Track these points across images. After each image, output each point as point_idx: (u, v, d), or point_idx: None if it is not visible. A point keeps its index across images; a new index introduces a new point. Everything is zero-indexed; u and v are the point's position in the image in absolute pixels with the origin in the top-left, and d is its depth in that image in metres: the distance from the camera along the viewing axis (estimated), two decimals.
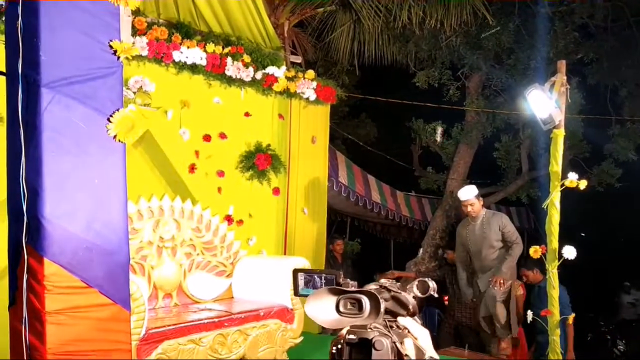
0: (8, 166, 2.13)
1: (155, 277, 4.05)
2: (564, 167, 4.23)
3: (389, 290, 1.31)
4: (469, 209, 5.39)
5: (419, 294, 1.38)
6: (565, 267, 4.11)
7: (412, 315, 1.32)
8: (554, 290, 4.16)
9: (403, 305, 1.31)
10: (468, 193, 5.40)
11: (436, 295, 1.42)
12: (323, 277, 1.46)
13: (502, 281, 5.16)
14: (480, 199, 5.49)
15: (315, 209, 5.77)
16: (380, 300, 1.17)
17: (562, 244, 4.06)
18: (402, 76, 8.65)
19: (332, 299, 1.21)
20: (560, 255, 4.01)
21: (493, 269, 5.32)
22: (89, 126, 2.04)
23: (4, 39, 2.15)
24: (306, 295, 1.45)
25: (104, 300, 2.07)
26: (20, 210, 1.98)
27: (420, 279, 1.40)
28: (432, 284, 1.40)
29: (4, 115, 3.32)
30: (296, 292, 1.51)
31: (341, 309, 1.20)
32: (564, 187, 4.08)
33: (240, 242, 4.70)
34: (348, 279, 1.39)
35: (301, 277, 1.49)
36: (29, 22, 1.97)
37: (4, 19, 2.99)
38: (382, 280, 1.38)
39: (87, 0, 2.04)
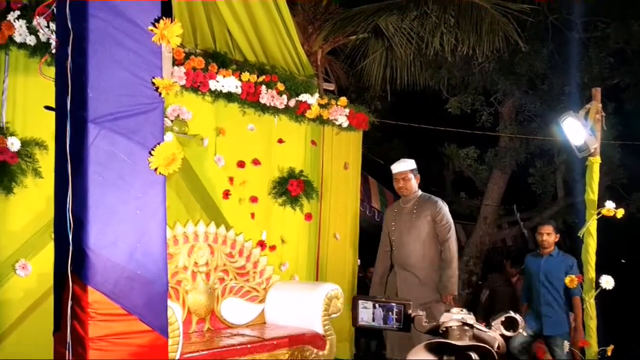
0: (55, 197, 2.24)
1: (189, 301, 4.12)
2: (601, 193, 4.16)
3: (471, 327, 1.20)
4: (401, 183, 4.63)
5: (505, 332, 1.23)
6: (604, 295, 4.00)
7: (500, 355, 1.18)
8: (592, 321, 4.06)
9: (488, 344, 1.17)
10: (404, 165, 4.66)
11: (525, 333, 1.27)
12: (392, 309, 1.33)
13: (451, 298, 4.35)
14: (418, 176, 4.70)
15: (348, 234, 5.78)
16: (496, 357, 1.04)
17: (600, 272, 3.97)
18: (435, 101, 8.68)
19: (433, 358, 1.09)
20: (597, 285, 3.92)
21: (426, 280, 4.45)
22: (132, 159, 2.14)
23: (53, 76, 2.28)
24: (366, 327, 1.33)
25: (143, 328, 2.14)
26: (66, 239, 2.08)
27: (508, 315, 1.24)
28: (521, 320, 1.26)
29: (48, 143, 3.51)
30: (354, 322, 1.39)
31: None
32: (600, 215, 4.02)
33: (272, 267, 4.74)
34: (418, 310, 1.27)
35: (362, 306, 1.38)
36: (77, 62, 2.09)
37: (52, 52, 3.18)
38: (455, 310, 1.22)
39: (131, 39, 2.16)
